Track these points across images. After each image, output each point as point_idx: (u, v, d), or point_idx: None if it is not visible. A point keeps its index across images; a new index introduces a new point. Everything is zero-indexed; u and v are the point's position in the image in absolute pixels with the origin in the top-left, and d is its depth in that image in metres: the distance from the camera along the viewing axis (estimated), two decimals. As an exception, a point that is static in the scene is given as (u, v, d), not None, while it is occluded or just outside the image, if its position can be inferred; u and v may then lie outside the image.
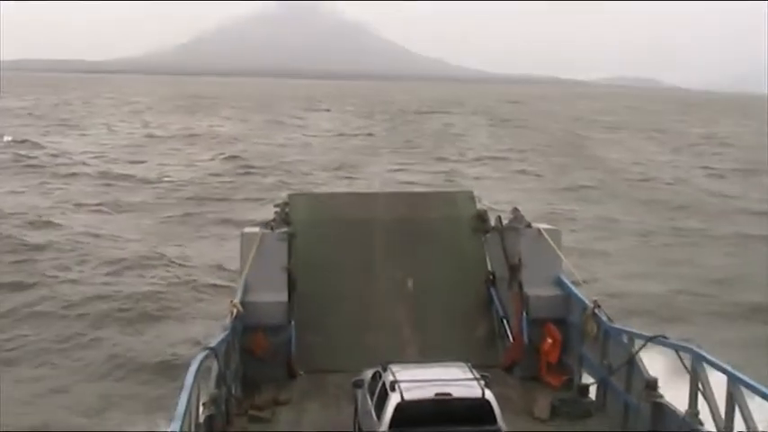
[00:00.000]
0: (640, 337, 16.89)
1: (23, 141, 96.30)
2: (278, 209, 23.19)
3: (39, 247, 44.17)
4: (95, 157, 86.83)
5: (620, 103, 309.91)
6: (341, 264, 22.42)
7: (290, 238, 21.28)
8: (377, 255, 22.82)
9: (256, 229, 21.47)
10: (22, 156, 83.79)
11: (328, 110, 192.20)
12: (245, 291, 19.93)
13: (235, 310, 18.50)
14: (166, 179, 73.18)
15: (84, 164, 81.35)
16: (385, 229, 23.19)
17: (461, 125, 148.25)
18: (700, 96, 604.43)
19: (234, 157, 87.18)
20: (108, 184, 68.81)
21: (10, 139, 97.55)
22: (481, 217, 23.51)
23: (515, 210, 22.39)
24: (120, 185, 68.49)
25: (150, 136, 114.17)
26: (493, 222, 22.97)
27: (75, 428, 24.37)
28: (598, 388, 18.47)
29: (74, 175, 73.92)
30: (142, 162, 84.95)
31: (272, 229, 21.36)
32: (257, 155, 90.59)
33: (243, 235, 21.31)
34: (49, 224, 50.87)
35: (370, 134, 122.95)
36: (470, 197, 24.78)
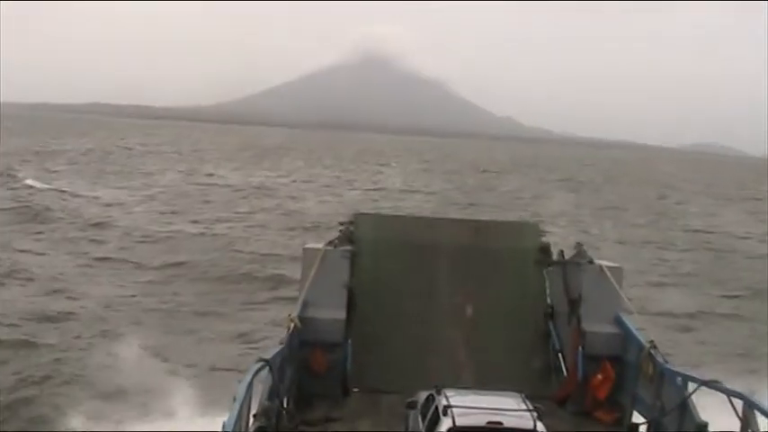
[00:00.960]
0: (694, 380, 16.80)
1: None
2: (343, 227, 23.46)
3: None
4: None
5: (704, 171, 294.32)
6: (402, 285, 22.56)
7: (353, 256, 21.48)
8: (438, 279, 22.93)
9: (319, 245, 21.72)
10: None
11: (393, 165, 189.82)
12: (305, 306, 20.12)
13: (292, 325, 18.73)
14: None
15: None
16: (448, 255, 23.29)
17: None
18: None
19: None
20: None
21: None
22: (545, 250, 23.48)
23: (579, 245, 22.51)
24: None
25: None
26: (556, 256, 23.05)
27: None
28: (649, 428, 18.35)
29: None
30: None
31: (335, 246, 21.60)
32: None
33: (305, 250, 21.57)
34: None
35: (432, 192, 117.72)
36: (536, 229, 24.81)
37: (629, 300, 21.45)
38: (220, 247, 59.13)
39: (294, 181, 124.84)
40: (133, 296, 43.66)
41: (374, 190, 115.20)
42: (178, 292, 44.72)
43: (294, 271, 35.87)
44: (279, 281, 47.67)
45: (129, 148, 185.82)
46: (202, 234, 65.43)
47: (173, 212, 77.95)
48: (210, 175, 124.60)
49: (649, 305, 42.33)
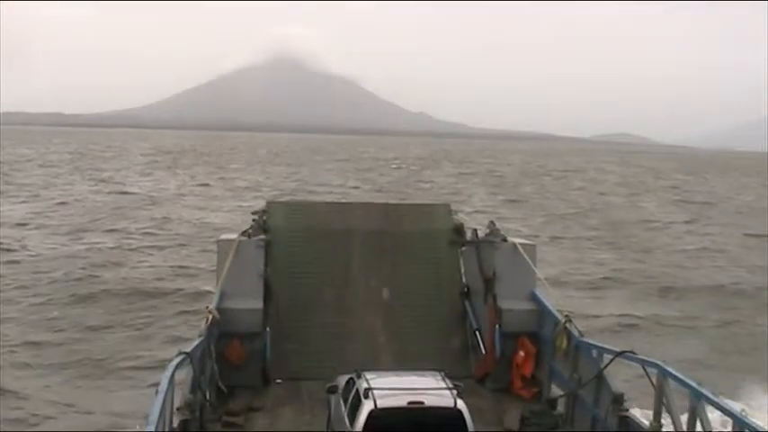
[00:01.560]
0: (609, 351, 17.14)
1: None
2: (256, 216, 23.30)
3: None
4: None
5: (610, 158, 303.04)
6: (317, 272, 22.57)
7: (267, 245, 21.43)
8: (353, 264, 22.99)
9: (233, 236, 21.59)
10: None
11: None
12: (222, 297, 20.03)
13: (210, 317, 18.59)
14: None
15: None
16: (362, 239, 23.37)
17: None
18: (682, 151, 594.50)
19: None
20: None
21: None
22: (458, 230, 23.66)
23: (492, 224, 22.72)
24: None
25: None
26: (469, 236, 23.22)
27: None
28: (567, 401, 18.67)
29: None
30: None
31: (249, 236, 21.51)
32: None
33: (219, 242, 21.46)
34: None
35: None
36: (448, 210, 24.94)
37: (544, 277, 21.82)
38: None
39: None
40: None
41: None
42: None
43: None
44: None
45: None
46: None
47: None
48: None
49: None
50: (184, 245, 60.06)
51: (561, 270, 52.19)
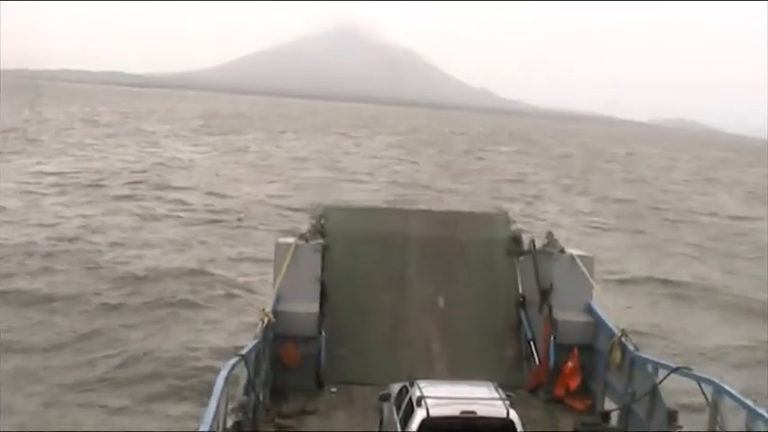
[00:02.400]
0: (665, 367, 17.06)
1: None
2: (313, 220, 23.48)
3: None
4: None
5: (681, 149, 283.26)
6: (373, 278, 22.67)
7: (324, 249, 21.52)
8: (410, 271, 23.08)
9: (291, 240, 21.75)
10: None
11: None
12: (278, 300, 20.19)
13: (266, 319, 18.76)
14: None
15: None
16: (419, 246, 23.46)
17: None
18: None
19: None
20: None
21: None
22: (515, 239, 23.69)
23: (550, 234, 22.62)
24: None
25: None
26: (527, 245, 23.17)
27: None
28: (620, 415, 18.56)
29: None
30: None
31: (306, 240, 21.63)
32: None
33: (277, 245, 21.56)
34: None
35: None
36: (506, 219, 24.95)
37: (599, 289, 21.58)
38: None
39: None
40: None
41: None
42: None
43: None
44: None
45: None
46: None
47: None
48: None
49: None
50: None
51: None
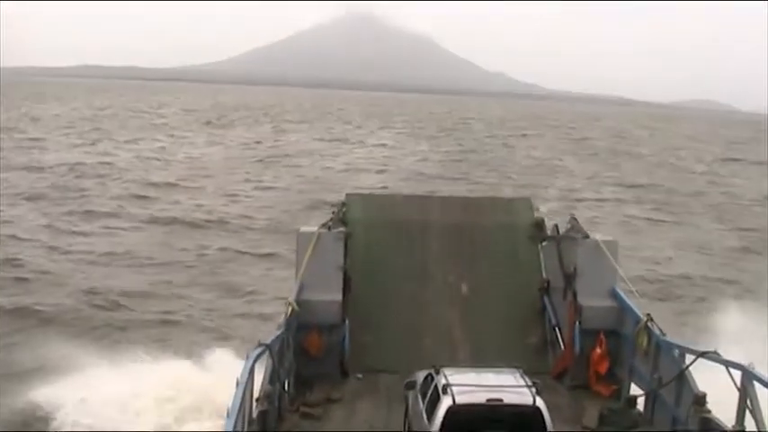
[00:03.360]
0: (692, 351, 16.90)
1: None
2: (335, 209, 23.49)
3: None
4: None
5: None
6: (396, 265, 22.64)
7: (347, 237, 21.51)
8: (431, 258, 23.03)
9: (313, 228, 21.71)
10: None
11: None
12: (301, 289, 20.19)
13: (290, 309, 18.82)
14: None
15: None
16: (441, 233, 23.41)
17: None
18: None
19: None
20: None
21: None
22: (539, 225, 23.60)
23: (573, 219, 22.51)
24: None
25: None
26: (550, 231, 23.07)
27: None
28: (647, 400, 18.49)
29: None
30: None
31: (329, 228, 21.60)
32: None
33: (300, 234, 21.54)
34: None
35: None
36: (528, 205, 24.86)
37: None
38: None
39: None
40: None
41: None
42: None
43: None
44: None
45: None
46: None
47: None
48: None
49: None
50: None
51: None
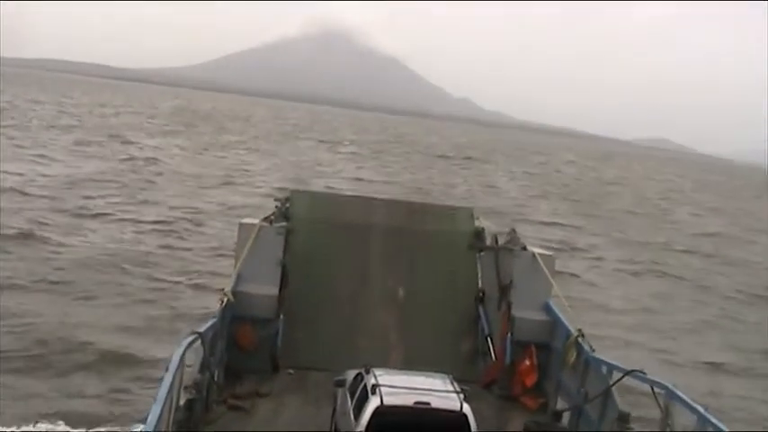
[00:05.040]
0: (619, 369, 17.10)
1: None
2: (278, 203, 23.43)
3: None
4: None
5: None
6: (335, 264, 22.67)
7: (288, 233, 21.50)
8: (371, 260, 23.11)
9: (255, 221, 21.69)
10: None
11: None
12: (238, 281, 20.13)
13: (225, 299, 18.75)
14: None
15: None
16: (382, 236, 23.49)
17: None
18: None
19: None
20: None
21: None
22: (478, 235, 23.70)
23: (512, 231, 22.65)
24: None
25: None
26: (489, 241, 23.22)
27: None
28: (572, 415, 18.61)
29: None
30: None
31: (270, 222, 21.58)
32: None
33: (241, 225, 21.51)
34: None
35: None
36: (470, 214, 24.92)
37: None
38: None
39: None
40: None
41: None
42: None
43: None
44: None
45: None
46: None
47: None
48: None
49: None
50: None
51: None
